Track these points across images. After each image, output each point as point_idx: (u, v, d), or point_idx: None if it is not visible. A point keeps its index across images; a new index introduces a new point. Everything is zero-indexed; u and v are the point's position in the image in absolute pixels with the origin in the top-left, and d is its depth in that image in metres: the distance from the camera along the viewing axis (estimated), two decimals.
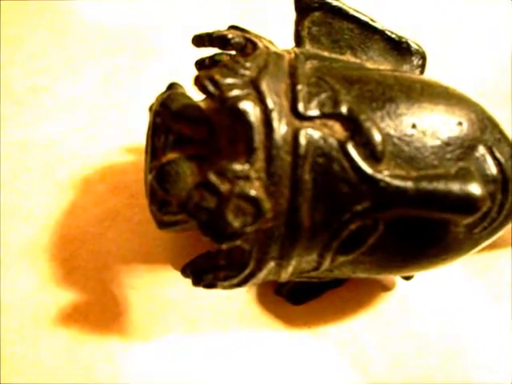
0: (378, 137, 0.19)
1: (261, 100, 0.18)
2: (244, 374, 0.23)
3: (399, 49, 0.23)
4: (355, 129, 0.19)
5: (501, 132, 0.21)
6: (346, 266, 0.21)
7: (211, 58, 0.21)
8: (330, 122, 0.19)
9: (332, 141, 0.18)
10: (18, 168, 0.29)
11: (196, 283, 0.21)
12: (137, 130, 0.29)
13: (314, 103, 0.19)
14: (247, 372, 0.23)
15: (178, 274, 0.22)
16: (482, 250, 0.25)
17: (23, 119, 0.30)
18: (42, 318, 0.24)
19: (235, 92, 0.18)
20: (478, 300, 0.26)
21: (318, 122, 0.19)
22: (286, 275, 0.21)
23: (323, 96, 0.19)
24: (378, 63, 0.22)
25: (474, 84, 0.32)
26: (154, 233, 0.26)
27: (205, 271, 0.21)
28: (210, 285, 0.21)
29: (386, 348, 0.24)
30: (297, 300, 0.24)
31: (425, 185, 0.18)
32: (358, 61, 0.22)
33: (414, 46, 0.23)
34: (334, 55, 0.22)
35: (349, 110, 0.19)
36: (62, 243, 0.26)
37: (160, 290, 0.25)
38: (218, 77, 0.19)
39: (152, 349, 0.24)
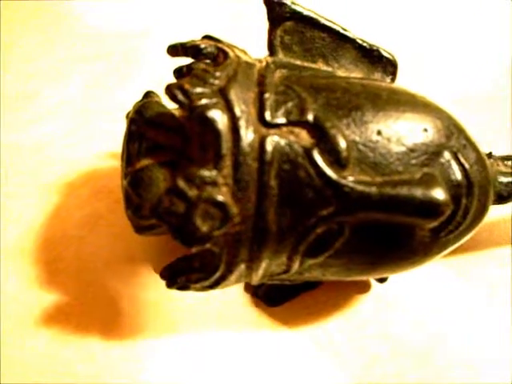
0: (342, 143, 0.19)
1: (229, 108, 0.19)
2: (223, 374, 0.24)
3: (370, 57, 0.23)
4: (321, 136, 0.19)
5: (467, 138, 0.22)
6: (315, 269, 0.21)
7: (188, 66, 0.22)
8: (297, 130, 0.19)
9: (298, 147, 0.19)
10: (7, 171, 0.29)
11: (169, 285, 0.21)
12: (122, 136, 0.30)
13: (281, 111, 0.19)
14: (226, 372, 0.24)
15: (158, 277, 0.23)
16: (461, 251, 0.25)
17: (13, 123, 0.31)
18: (26, 319, 0.25)
19: (204, 101, 0.19)
20: (454, 300, 0.26)
21: (284, 129, 0.19)
22: (257, 278, 0.21)
23: (290, 104, 0.20)
24: (349, 71, 0.23)
25: (452, 90, 0.33)
26: (135, 237, 0.26)
27: (178, 273, 0.21)
28: (183, 287, 0.21)
29: (362, 349, 0.25)
30: (273, 301, 0.25)
31: (388, 190, 0.19)
32: (329, 69, 0.23)
33: (385, 54, 0.23)
34: (305, 63, 0.23)
35: (315, 117, 0.19)
36: (45, 246, 0.27)
37: (141, 292, 0.26)
38: (187, 86, 0.19)
39: (133, 349, 0.24)
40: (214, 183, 0.19)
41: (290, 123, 0.19)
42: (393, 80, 0.24)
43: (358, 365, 0.24)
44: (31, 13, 0.36)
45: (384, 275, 0.23)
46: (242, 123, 0.19)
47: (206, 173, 0.19)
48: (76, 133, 0.30)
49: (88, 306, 0.25)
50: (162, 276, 0.22)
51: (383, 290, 0.26)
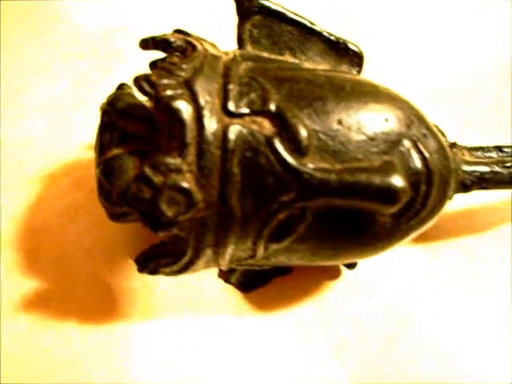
0: (303, 132, 0.20)
1: (193, 99, 0.20)
2: (198, 358, 0.25)
3: (337, 49, 0.24)
4: (282, 125, 0.20)
5: (428, 128, 0.22)
6: (280, 253, 0.22)
7: (163, 59, 0.23)
8: (259, 119, 0.20)
9: (259, 136, 0.20)
10: None
11: (140, 270, 0.22)
12: None
13: (244, 101, 0.20)
14: (201, 355, 0.25)
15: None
16: (433, 237, 0.26)
17: (1, 119, 0.32)
18: (6, 305, 0.26)
19: (169, 92, 0.20)
20: (423, 287, 0.27)
21: (247, 118, 0.20)
22: (224, 263, 0.22)
23: (253, 95, 0.20)
24: (316, 63, 0.24)
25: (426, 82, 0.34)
26: (114, 225, 0.27)
27: (149, 258, 0.22)
28: (154, 271, 0.22)
29: (331, 333, 0.25)
30: (245, 287, 0.26)
31: (347, 177, 0.20)
32: (296, 61, 0.23)
33: (351, 47, 0.24)
34: (273, 56, 0.23)
35: (277, 107, 0.20)
36: (27, 234, 0.27)
37: (119, 279, 0.27)
38: (154, 78, 0.20)
39: (109, 335, 0.25)
40: (179, 170, 0.20)
41: (252, 113, 0.20)
42: (359, 71, 0.24)
43: (326, 349, 0.25)
44: (19, 12, 0.37)
45: (349, 260, 0.24)
46: (205, 113, 0.20)
47: (171, 160, 0.20)
48: (59, 127, 0.31)
49: (67, 292, 0.26)
50: (136, 261, 0.23)
51: (353, 276, 0.27)
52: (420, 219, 0.22)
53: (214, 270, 0.26)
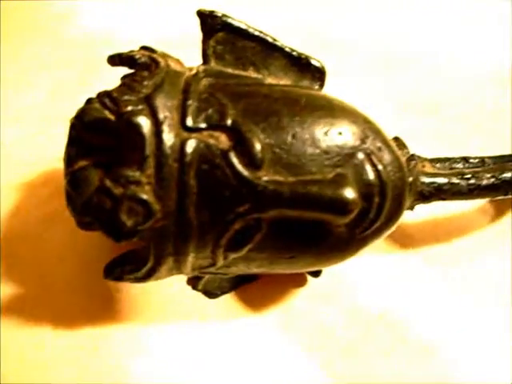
0: (258, 146, 0.21)
1: (153, 114, 0.21)
2: (165, 360, 0.26)
3: (299, 65, 0.25)
4: (238, 139, 0.21)
5: (383, 141, 0.23)
6: (239, 262, 0.23)
7: (126, 75, 0.24)
8: (216, 133, 0.21)
9: (216, 150, 0.21)
10: None
11: (106, 275, 0.23)
12: None
13: (202, 116, 0.21)
14: (168, 358, 0.26)
15: None
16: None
17: None
18: None
19: (130, 107, 0.21)
20: (387, 291, 0.28)
21: (204, 133, 0.21)
22: (186, 270, 0.23)
23: (211, 110, 0.21)
24: (278, 78, 0.25)
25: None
26: (88, 233, 0.28)
27: (116, 265, 0.23)
28: (118, 277, 0.23)
29: (295, 339, 0.26)
30: (211, 294, 0.27)
31: (299, 188, 0.21)
32: (259, 76, 0.24)
33: (313, 62, 0.25)
34: (236, 71, 0.24)
35: (233, 122, 0.21)
36: (4, 241, 0.28)
37: (91, 285, 0.27)
38: (115, 94, 0.21)
39: (81, 338, 0.26)
40: (138, 182, 0.20)
41: (209, 127, 0.21)
42: (321, 86, 0.25)
43: (289, 355, 0.26)
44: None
45: (308, 269, 0.25)
46: (164, 128, 0.21)
47: (131, 173, 0.20)
48: (38, 137, 0.32)
49: (41, 297, 0.27)
50: (104, 268, 0.24)
51: (318, 284, 0.27)
52: (375, 229, 0.23)
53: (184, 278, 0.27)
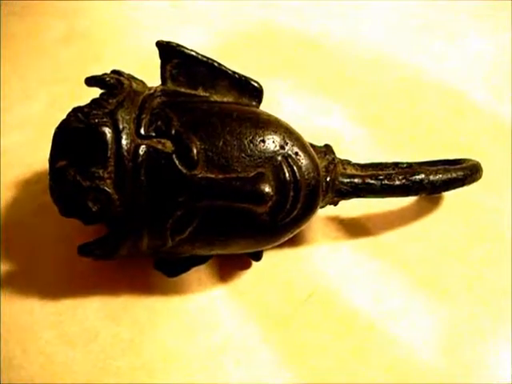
0: (194, 150, 0.27)
1: (114, 125, 0.27)
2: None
3: (240, 85, 0.30)
4: (179, 145, 0.27)
5: (301, 147, 0.29)
6: (185, 243, 0.28)
7: (101, 94, 0.29)
8: (163, 140, 0.27)
9: (162, 153, 0.27)
10: None
11: (79, 252, 0.29)
12: None
13: (153, 127, 0.27)
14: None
15: None
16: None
17: None
18: None
19: (97, 120, 0.27)
20: (324, 267, 0.33)
21: (154, 140, 0.27)
22: (143, 249, 0.29)
23: (160, 122, 0.27)
24: (223, 96, 0.30)
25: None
26: (72, 224, 0.34)
27: (87, 245, 0.29)
28: (89, 254, 0.29)
29: (235, 311, 0.32)
30: (170, 273, 0.32)
31: (226, 183, 0.26)
32: (207, 94, 0.30)
33: (252, 83, 0.31)
34: (188, 90, 0.30)
35: (176, 131, 0.27)
36: (3, 228, 0.34)
37: (78, 263, 0.33)
38: (86, 109, 0.27)
39: (62, 306, 0.32)
40: (101, 177, 0.26)
41: (158, 136, 0.27)
42: (259, 102, 0.31)
43: (231, 325, 0.31)
44: (6, 42, 0.44)
45: (243, 250, 0.30)
46: (123, 136, 0.27)
47: (96, 170, 0.26)
48: (34, 143, 0.38)
49: (32, 273, 0.33)
50: (78, 247, 0.30)
51: (261, 265, 0.33)
52: (293, 218, 0.28)
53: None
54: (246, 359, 0.31)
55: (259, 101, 0.31)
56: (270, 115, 0.29)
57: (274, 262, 0.33)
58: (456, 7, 0.48)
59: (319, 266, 0.33)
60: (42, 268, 0.33)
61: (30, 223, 0.35)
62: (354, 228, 0.35)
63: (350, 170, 0.31)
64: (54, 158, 0.29)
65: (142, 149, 0.27)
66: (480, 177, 0.33)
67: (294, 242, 0.34)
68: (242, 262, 0.33)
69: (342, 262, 0.34)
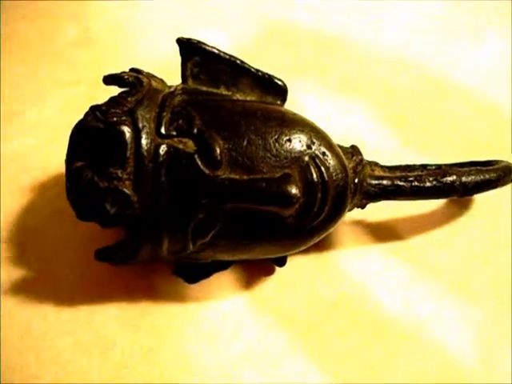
0: (217, 150, 0.25)
1: (134, 124, 0.26)
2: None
3: (263, 83, 0.29)
4: (201, 144, 0.25)
5: (328, 147, 0.27)
6: (206, 247, 0.27)
7: (120, 94, 0.28)
8: (185, 140, 0.26)
9: (183, 153, 0.25)
10: None
11: (96, 257, 0.28)
12: None
13: (174, 126, 0.26)
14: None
15: None
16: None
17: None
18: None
19: (115, 118, 0.25)
20: (344, 279, 0.31)
21: (175, 139, 0.26)
22: (163, 254, 0.27)
23: (181, 121, 0.26)
24: (246, 95, 0.29)
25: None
26: (89, 227, 0.33)
27: (104, 250, 0.28)
28: (107, 259, 0.28)
29: (259, 319, 0.30)
30: (190, 279, 0.31)
31: (251, 185, 0.25)
32: (229, 93, 0.29)
33: (276, 81, 0.29)
34: (210, 89, 0.29)
35: (198, 130, 0.26)
36: (20, 233, 0.33)
37: (89, 269, 0.32)
38: (104, 108, 0.26)
39: (78, 313, 0.31)
40: (120, 178, 0.25)
41: (179, 135, 0.26)
42: (283, 101, 0.30)
43: (254, 332, 0.30)
44: (16, 46, 0.44)
45: (267, 256, 0.29)
46: (142, 135, 0.25)
47: (114, 170, 0.25)
48: (49, 146, 0.37)
49: (47, 278, 0.32)
50: (96, 251, 0.29)
51: (285, 271, 0.32)
52: (321, 221, 0.27)
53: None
54: (269, 369, 0.29)
55: (283, 99, 0.30)
56: (295, 114, 0.28)
57: (299, 267, 0.32)
58: (478, 7, 0.47)
59: (346, 272, 0.32)
60: (58, 273, 0.32)
61: (46, 228, 0.34)
62: (382, 232, 0.34)
63: (378, 172, 0.30)
64: (70, 158, 0.28)
65: (163, 148, 0.25)
66: None
67: (320, 246, 0.32)
68: (265, 268, 0.32)
69: (370, 268, 0.32)
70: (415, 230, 0.34)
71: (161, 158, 0.25)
